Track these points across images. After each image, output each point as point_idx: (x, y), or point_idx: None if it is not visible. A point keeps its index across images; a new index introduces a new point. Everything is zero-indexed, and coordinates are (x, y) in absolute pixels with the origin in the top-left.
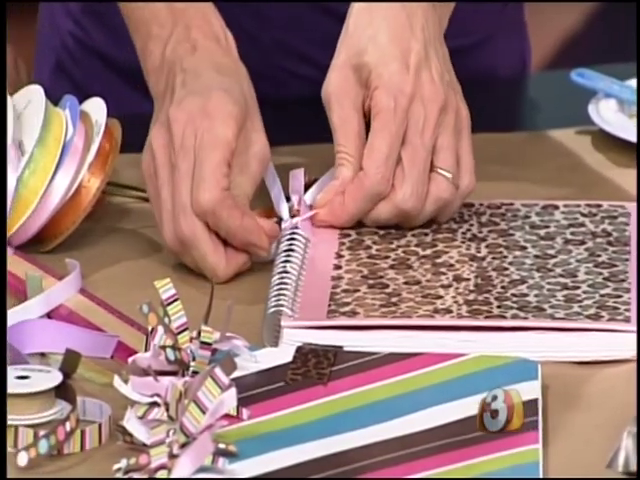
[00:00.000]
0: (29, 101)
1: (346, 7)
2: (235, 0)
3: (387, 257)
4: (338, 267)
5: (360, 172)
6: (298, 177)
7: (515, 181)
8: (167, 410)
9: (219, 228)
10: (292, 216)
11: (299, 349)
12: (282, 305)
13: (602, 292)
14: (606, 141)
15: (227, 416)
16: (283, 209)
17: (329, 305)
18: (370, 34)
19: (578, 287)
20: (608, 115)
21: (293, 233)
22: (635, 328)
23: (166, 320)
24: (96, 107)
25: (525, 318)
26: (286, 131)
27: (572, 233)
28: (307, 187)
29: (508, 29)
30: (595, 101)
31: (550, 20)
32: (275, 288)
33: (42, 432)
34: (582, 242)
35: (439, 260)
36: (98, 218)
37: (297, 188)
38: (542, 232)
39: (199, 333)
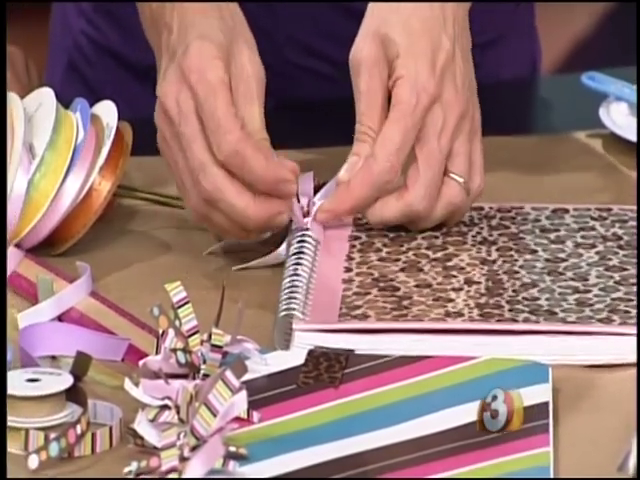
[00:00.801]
0: (40, 104)
1: (361, 5)
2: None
3: (397, 260)
4: (349, 270)
5: (370, 158)
6: (308, 180)
7: (526, 184)
8: (178, 413)
9: (244, 171)
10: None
11: (311, 352)
12: (293, 308)
13: (613, 296)
14: (617, 144)
15: (238, 419)
16: (294, 210)
17: (340, 308)
18: (400, 16)
19: (589, 291)
20: (619, 118)
21: (303, 235)
22: (634, 331)
23: (177, 323)
24: (107, 110)
25: (537, 322)
26: (298, 133)
27: (582, 237)
28: (316, 190)
29: (519, 31)
30: (606, 104)
31: (560, 24)
32: (286, 291)
33: (53, 435)
34: (593, 246)
35: (450, 263)
36: (109, 221)
37: (307, 191)
38: (552, 236)
39: (210, 336)
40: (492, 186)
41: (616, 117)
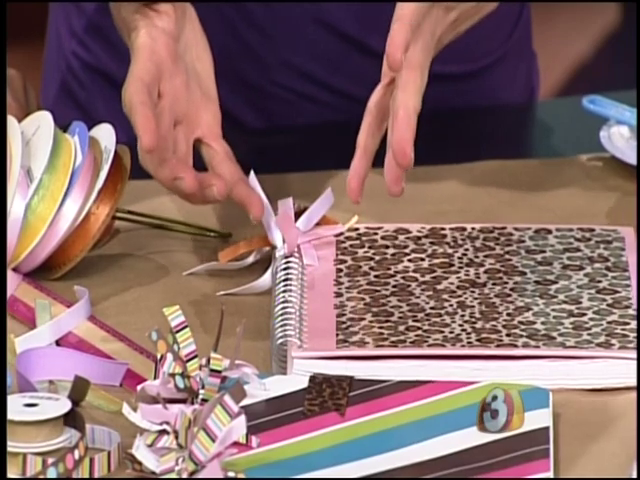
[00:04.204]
0: (38, 127)
1: (355, 31)
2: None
3: (387, 284)
4: (339, 294)
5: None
6: (287, 206)
7: (526, 208)
8: (176, 438)
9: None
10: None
11: (312, 379)
12: (289, 335)
13: (609, 319)
14: (618, 168)
15: (237, 444)
16: (277, 237)
17: (337, 335)
18: None
19: (584, 314)
20: (620, 142)
21: (288, 262)
22: (634, 355)
23: (175, 347)
24: (105, 133)
25: (537, 347)
26: (289, 157)
27: (569, 258)
28: (297, 216)
29: (516, 55)
30: (607, 128)
31: (561, 47)
32: (279, 318)
33: (51, 460)
34: (580, 267)
35: (440, 286)
36: (107, 245)
37: (288, 216)
38: (539, 257)
39: (208, 360)
40: (492, 209)
41: (617, 141)
